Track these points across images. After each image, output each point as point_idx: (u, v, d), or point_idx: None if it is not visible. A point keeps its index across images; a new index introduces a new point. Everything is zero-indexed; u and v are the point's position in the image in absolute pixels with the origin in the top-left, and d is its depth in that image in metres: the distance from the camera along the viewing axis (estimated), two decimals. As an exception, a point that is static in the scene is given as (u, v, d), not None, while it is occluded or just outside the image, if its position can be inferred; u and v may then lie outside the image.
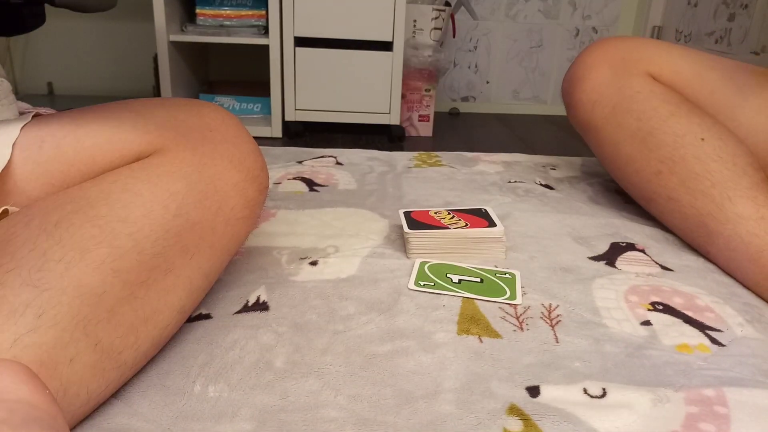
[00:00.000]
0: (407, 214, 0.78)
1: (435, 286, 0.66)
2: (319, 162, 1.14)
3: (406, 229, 0.74)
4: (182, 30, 1.45)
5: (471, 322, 0.59)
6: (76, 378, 0.40)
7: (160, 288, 0.47)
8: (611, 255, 0.76)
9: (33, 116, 0.55)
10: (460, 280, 0.67)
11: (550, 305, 0.63)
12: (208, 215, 0.52)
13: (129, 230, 0.45)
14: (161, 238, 0.47)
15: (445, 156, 1.23)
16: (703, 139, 0.76)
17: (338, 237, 0.79)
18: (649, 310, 0.63)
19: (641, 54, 0.88)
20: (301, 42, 1.40)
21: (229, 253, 0.57)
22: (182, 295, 0.50)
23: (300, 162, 1.13)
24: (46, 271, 0.40)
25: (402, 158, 1.20)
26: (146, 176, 0.49)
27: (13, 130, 0.50)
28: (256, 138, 0.60)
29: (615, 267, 0.73)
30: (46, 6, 0.74)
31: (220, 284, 0.65)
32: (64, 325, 0.40)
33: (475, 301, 0.63)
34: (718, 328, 0.60)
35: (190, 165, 0.52)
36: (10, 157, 0.49)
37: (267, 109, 1.51)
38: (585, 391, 0.50)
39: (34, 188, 0.50)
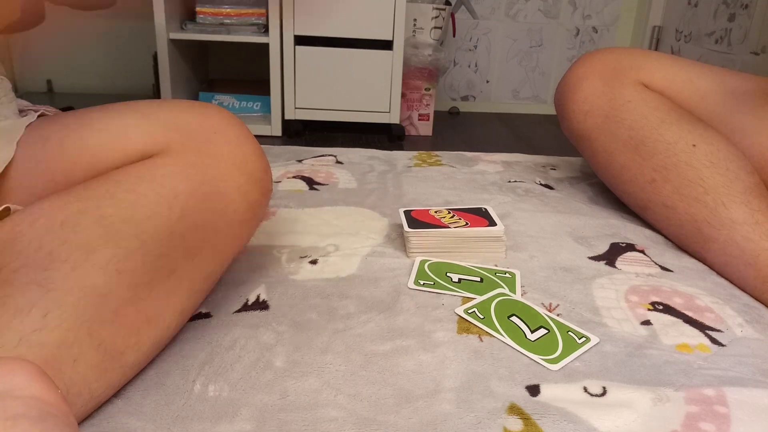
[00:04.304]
0: (407, 213, 0.78)
1: (435, 285, 0.66)
2: (319, 161, 1.14)
3: (406, 228, 0.74)
4: (182, 28, 1.44)
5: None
6: (78, 378, 0.41)
7: (163, 289, 0.47)
8: (611, 255, 0.76)
9: (38, 116, 0.55)
10: (460, 279, 0.67)
11: (551, 304, 0.63)
12: (211, 217, 0.52)
13: (134, 231, 0.45)
14: (166, 239, 0.47)
15: (445, 155, 1.23)
16: (694, 146, 0.76)
17: (338, 236, 0.78)
18: (649, 309, 0.63)
19: (632, 63, 0.88)
20: (301, 40, 1.40)
21: (231, 254, 0.57)
22: (184, 296, 0.50)
23: (300, 161, 1.13)
24: (52, 270, 0.40)
25: (402, 157, 1.19)
26: (151, 177, 0.49)
27: (18, 128, 0.50)
28: (255, 136, 0.60)
29: (615, 267, 0.73)
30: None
31: (220, 283, 0.65)
32: (68, 325, 0.40)
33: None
34: (717, 328, 0.60)
35: (194, 167, 0.52)
36: (14, 154, 0.49)
37: (267, 108, 1.51)
38: (585, 389, 0.50)
39: (36, 185, 0.50)
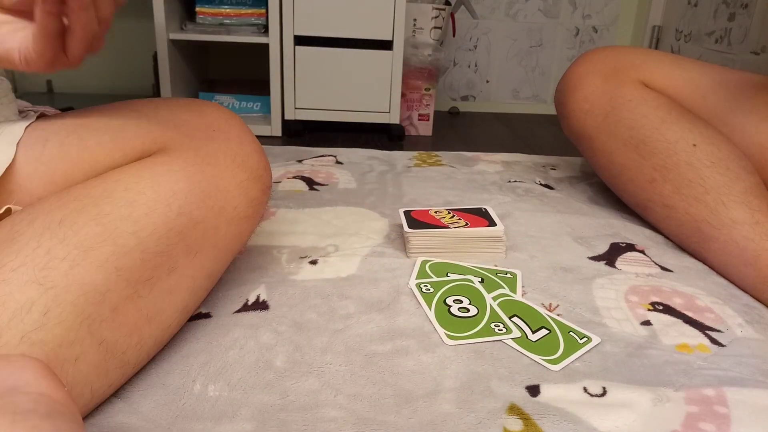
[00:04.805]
0: (407, 213, 0.78)
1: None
2: (319, 161, 1.14)
3: (406, 228, 0.74)
4: (182, 28, 1.44)
5: (471, 322, 0.59)
6: (80, 377, 0.41)
7: (164, 287, 0.47)
8: (611, 255, 0.76)
9: (38, 116, 0.55)
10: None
11: (551, 304, 0.63)
12: (211, 214, 0.52)
13: (132, 228, 0.45)
14: (164, 236, 0.47)
15: (444, 155, 1.23)
16: (695, 145, 0.76)
17: (338, 236, 0.78)
18: (649, 310, 0.63)
19: (632, 62, 0.88)
20: (301, 41, 1.40)
21: (232, 252, 0.57)
22: (185, 294, 0.50)
23: (300, 161, 1.13)
24: (50, 269, 0.40)
25: (402, 157, 1.19)
26: (149, 175, 0.49)
27: (18, 130, 0.50)
28: (255, 137, 0.60)
29: (615, 267, 0.73)
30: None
31: (220, 283, 0.65)
32: (69, 323, 0.40)
33: (475, 300, 0.63)
34: (717, 328, 0.60)
35: (193, 164, 0.52)
36: (14, 156, 0.49)
37: (266, 108, 1.51)
38: (585, 390, 0.50)
39: (37, 187, 0.50)
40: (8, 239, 0.42)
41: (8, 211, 0.47)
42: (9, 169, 0.49)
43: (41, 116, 0.55)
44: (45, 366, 0.35)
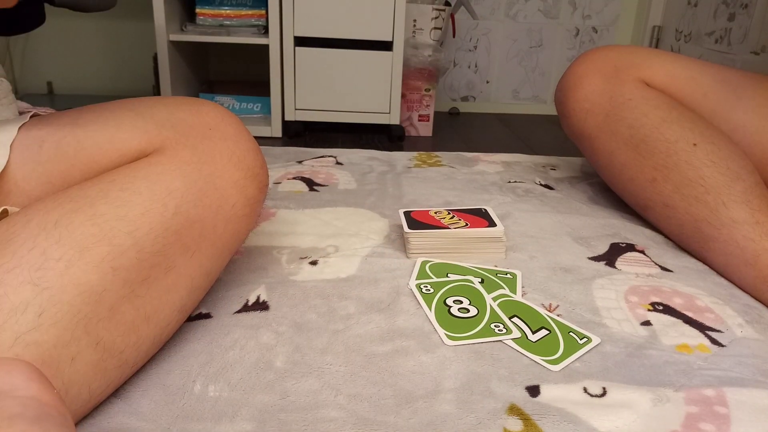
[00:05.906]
0: (407, 214, 0.78)
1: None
2: (319, 162, 1.14)
3: (406, 228, 0.74)
4: (182, 29, 1.44)
5: (471, 322, 0.59)
6: (77, 377, 0.41)
7: (161, 286, 0.47)
8: (611, 255, 0.76)
9: (31, 116, 0.55)
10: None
11: (551, 305, 0.63)
12: (208, 213, 0.52)
13: (128, 228, 0.45)
14: (160, 236, 0.47)
15: (445, 156, 1.23)
16: (695, 145, 0.76)
17: (338, 237, 0.79)
18: (649, 310, 0.63)
19: (632, 61, 0.88)
20: (301, 42, 1.40)
21: (230, 251, 0.57)
22: (183, 293, 0.50)
23: (300, 162, 1.13)
24: (46, 269, 0.40)
25: (402, 158, 1.19)
26: (145, 175, 0.49)
27: (11, 131, 0.50)
28: (255, 138, 0.60)
29: (615, 267, 0.73)
30: (46, 5, 0.74)
31: (220, 283, 0.65)
32: (64, 323, 0.40)
33: (475, 300, 0.63)
34: (717, 328, 0.60)
35: (189, 163, 0.52)
36: (9, 157, 0.49)
37: (267, 109, 1.51)
38: (585, 390, 0.50)
39: (34, 188, 0.50)
40: (4, 241, 0.42)
41: (5, 213, 0.47)
42: (5, 170, 0.49)
43: (35, 116, 0.55)
44: (34, 369, 0.34)
